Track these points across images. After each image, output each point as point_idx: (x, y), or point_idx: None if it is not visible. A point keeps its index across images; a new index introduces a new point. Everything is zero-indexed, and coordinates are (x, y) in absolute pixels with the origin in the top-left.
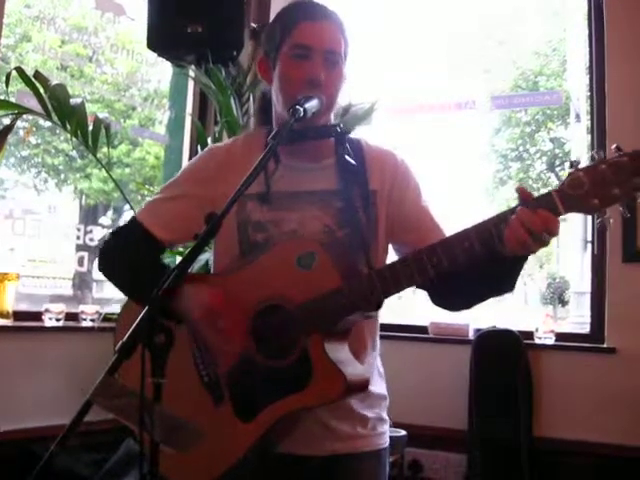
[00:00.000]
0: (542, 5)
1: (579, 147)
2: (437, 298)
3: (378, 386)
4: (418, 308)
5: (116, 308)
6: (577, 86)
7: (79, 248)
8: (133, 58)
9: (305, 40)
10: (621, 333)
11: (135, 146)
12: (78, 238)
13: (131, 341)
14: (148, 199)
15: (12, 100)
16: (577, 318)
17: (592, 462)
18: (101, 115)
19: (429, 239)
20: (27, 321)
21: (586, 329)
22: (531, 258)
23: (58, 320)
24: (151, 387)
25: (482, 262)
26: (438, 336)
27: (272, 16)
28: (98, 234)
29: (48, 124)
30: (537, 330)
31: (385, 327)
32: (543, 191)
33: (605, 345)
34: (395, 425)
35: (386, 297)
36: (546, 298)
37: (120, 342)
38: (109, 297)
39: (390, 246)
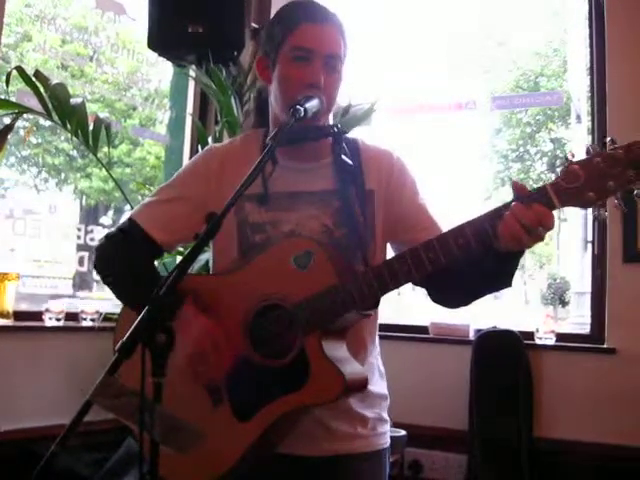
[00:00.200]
0: (542, 5)
1: (580, 148)
2: (436, 295)
3: (378, 386)
4: (418, 308)
5: (116, 308)
6: (578, 87)
7: (79, 248)
8: (134, 58)
9: (306, 43)
10: (621, 333)
11: (136, 146)
12: (78, 238)
13: (131, 341)
14: (144, 200)
15: (12, 99)
16: (577, 318)
17: (592, 462)
18: (102, 115)
19: (427, 237)
20: (27, 321)
21: (586, 329)
22: (531, 258)
23: (58, 320)
24: (151, 387)
25: (478, 258)
26: (438, 336)
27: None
28: (98, 234)
29: (48, 124)
30: (537, 330)
31: (385, 327)
32: None
33: (605, 345)
34: (395, 425)
35: (383, 294)
36: (546, 298)
37: (120, 342)
38: (109, 297)
39: (389, 245)
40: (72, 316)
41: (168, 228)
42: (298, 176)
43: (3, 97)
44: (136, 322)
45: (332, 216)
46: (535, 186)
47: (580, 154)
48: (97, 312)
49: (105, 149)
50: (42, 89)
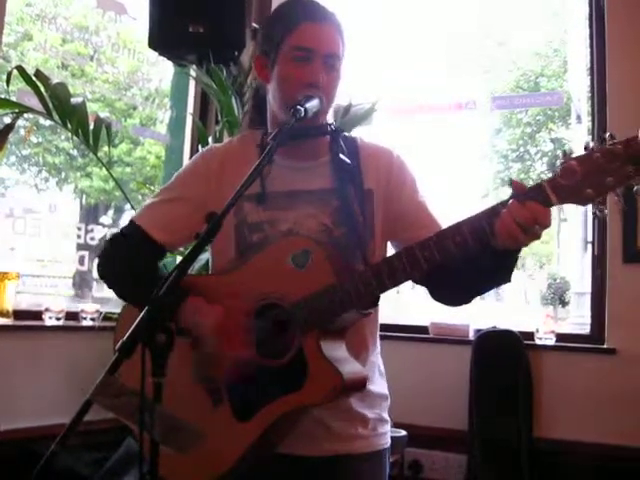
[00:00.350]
0: (542, 6)
1: (580, 148)
2: (436, 293)
3: (379, 386)
4: (418, 308)
5: (116, 307)
6: (578, 87)
7: (80, 247)
8: (134, 57)
9: (306, 43)
10: (621, 334)
11: (136, 145)
12: (79, 237)
13: (131, 340)
14: (145, 202)
15: (13, 99)
16: (577, 319)
17: (592, 463)
18: (102, 114)
19: (427, 235)
20: (27, 320)
21: (586, 330)
22: (531, 258)
23: (58, 319)
24: (151, 387)
25: (476, 255)
26: (438, 336)
27: None
28: (99, 233)
29: (49, 123)
30: (537, 331)
31: (385, 327)
32: None
33: (605, 346)
34: (395, 425)
35: (381, 292)
36: (546, 299)
37: (120, 341)
38: (109, 296)
39: (389, 244)
40: (72, 315)
41: (168, 228)
42: (296, 175)
43: (4, 96)
44: (136, 322)
45: (331, 215)
46: None
47: (580, 153)
48: (97, 311)
49: (105, 148)
50: (43, 88)
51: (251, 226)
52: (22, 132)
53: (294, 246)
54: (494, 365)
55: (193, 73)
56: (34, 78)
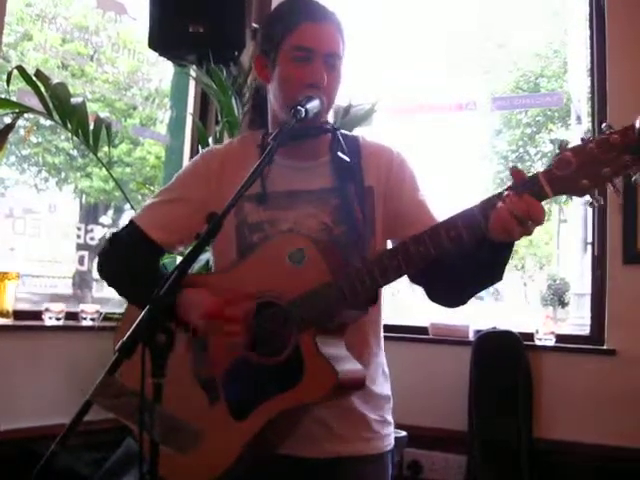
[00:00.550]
0: (542, 6)
1: None
2: (432, 293)
3: (382, 387)
4: (418, 309)
5: (116, 308)
6: (578, 88)
7: (79, 247)
8: (134, 57)
9: (307, 43)
10: (621, 335)
11: (136, 145)
12: (78, 237)
13: (131, 341)
14: (145, 203)
15: (13, 99)
16: (577, 319)
17: (592, 464)
18: (102, 114)
19: None
20: (27, 320)
21: (586, 331)
22: (531, 259)
23: (58, 319)
24: (151, 387)
25: (470, 250)
26: (438, 337)
27: None
28: (98, 233)
29: (49, 123)
30: (537, 331)
31: (385, 327)
32: None
33: (605, 347)
34: (395, 426)
35: (376, 289)
36: (546, 299)
37: (120, 341)
38: (109, 296)
39: (390, 242)
40: (72, 316)
41: (167, 228)
42: (296, 175)
43: (4, 96)
44: (136, 322)
45: (331, 214)
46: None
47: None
48: (97, 312)
49: (105, 148)
50: (43, 88)
51: (251, 226)
52: (22, 132)
53: (290, 244)
54: (494, 366)
55: (193, 73)
56: (34, 78)
